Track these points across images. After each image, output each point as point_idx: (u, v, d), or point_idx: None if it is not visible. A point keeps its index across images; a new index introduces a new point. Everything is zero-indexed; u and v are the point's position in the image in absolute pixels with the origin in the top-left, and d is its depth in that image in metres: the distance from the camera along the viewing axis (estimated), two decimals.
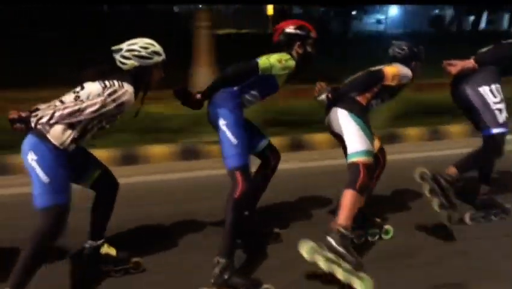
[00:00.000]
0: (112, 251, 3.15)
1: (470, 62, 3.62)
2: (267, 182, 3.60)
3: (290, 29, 3.38)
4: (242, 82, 3.23)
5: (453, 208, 3.47)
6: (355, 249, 2.99)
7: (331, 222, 3.04)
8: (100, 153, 4.21)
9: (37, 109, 2.75)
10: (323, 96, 3.35)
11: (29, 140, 2.71)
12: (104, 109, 2.72)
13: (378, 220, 3.69)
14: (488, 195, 3.95)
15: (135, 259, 3.17)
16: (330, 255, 2.91)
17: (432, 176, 3.49)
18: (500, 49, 3.72)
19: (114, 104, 2.74)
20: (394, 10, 38.25)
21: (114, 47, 2.93)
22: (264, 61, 3.17)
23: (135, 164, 5.43)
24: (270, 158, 3.55)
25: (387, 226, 3.64)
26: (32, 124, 2.68)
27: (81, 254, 3.14)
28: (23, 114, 2.72)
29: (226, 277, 2.83)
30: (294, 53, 3.35)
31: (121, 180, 3.18)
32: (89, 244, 3.12)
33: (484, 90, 3.58)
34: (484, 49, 3.77)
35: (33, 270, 2.64)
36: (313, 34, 3.41)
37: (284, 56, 3.25)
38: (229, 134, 3.10)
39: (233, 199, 2.96)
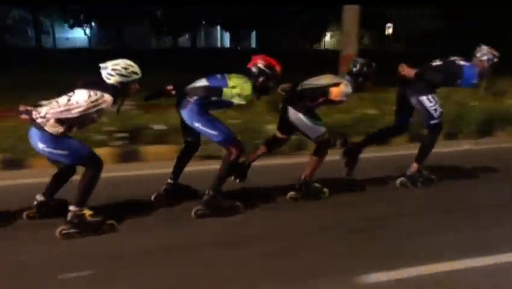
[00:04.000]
0: None
1: (413, 72, 5.11)
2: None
3: (261, 65, 4.38)
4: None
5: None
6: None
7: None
8: None
9: (39, 106, 3.72)
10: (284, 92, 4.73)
11: (34, 133, 3.73)
12: (86, 112, 3.71)
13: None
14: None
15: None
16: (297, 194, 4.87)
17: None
18: (441, 68, 5.21)
19: (94, 109, 3.73)
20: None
21: (101, 64, 3.87)
22: (227, 92, 4.26)
23: None
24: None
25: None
26: (34, 116, 3.63)
27: None
28: (29, 108, 3.69)
29: (213, 201, 4.34)
30: (257, 83, 4.40)
31: None
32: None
33: (422, 98, 5.17)
34: (433, 63, 5.26)
35: None
36: (278, 73, 4.43)
37: (245, 90, 4.29)
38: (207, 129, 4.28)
39: (228, 160, 4.35)
